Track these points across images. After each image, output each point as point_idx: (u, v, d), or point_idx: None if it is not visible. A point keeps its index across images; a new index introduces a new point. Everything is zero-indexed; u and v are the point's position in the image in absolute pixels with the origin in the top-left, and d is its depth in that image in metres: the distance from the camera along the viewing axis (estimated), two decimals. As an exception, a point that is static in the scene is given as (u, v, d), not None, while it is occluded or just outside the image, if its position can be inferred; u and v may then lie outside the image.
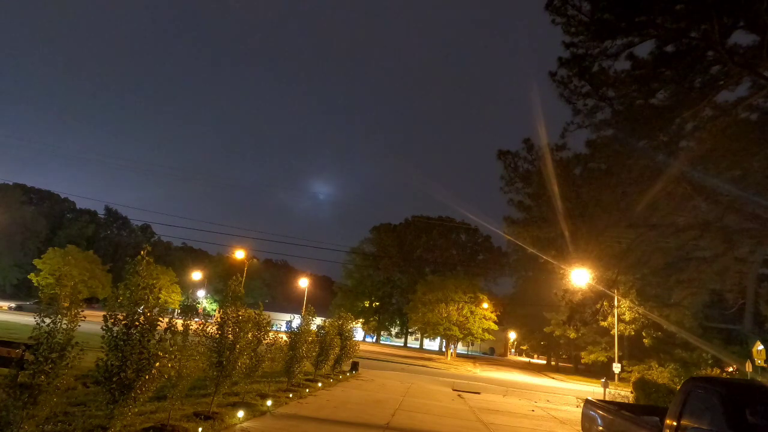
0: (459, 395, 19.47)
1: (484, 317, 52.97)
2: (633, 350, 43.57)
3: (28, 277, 54.59)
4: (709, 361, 34.15)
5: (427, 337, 64.06)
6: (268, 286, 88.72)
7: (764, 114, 14.49)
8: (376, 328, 76.90)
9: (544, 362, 72.02)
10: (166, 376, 7.29)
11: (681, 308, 27.64)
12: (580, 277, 21.76)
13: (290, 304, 78.26)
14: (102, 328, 6.41)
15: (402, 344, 76.82)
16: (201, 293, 75.13)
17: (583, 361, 51.60)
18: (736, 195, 14.52)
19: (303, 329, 15.46)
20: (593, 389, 27.99)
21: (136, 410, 7.17)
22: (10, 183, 72.32)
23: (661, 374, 21.27)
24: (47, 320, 5.61)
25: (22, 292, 65.63)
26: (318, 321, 18.28)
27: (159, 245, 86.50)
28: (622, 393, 21.84)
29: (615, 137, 15.39)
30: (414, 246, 76.20)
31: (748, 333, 20.99)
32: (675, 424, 6.50)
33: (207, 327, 9.65)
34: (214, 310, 65.14)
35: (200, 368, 9.10)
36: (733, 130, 13.97)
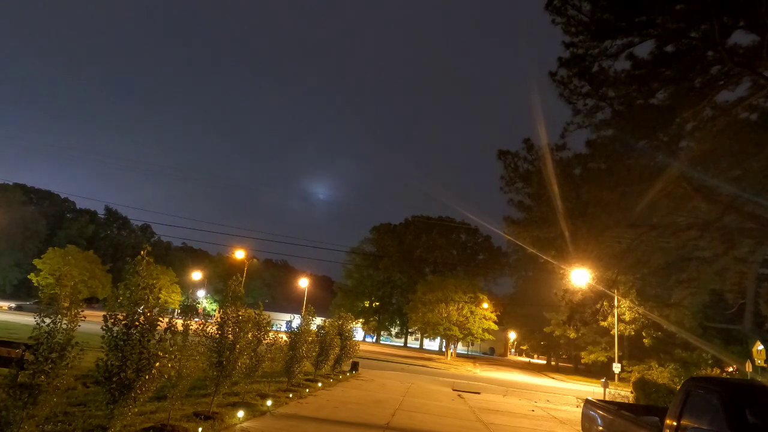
0: (459, 395, 19.47)
1: (484, 317, 52.97)
2: (633, 350, 43.57)
3: (28, 277, 54.59)
4: (709, 361, 34.13)
5: (427, 337, 64.05)
6: (268, 286, 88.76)
7: (764, 114, 14.49)
8: (376, 328, 76.88)
9: (544, 362, 72.02)
10: (166, 376, 7.28)
11: (681, 308, 27.63)
12: (580, 277, 21.75)
13: (290, 304, 78.27)
14: (102, 328, 6.41)
15: (402, 344, 76.82)
16: (201, 293, 75.12)
17: (583, 361, 51.61)
18: (736, 195, 14.53)
19: (303, 329, 15.45)
20: (593, 389, 27.99)
21: (136, 410, 7.17)
22: (10, 183, 72.42)
23: (661, 374, 21.26)
24: (47, 320, 5.61)
25: (22, 292, 65.62)
26: (318, 321, 18.28)
27: (159, 245, 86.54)
28: (622, 393, 21.84)
29: (615, 137, 15.39)
30: (414, 246, 76.16)
31: (748, 333, 20.98)
32: (675, 424, 6.50)
33: (207, 327, 9.65)
34: (214, 310, 65.14)
35: (200, 368, 9.09)
36: (733, 130, 13.97)
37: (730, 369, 31.15)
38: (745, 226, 15.23)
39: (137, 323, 6.57)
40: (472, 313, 51.95)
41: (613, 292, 23.60)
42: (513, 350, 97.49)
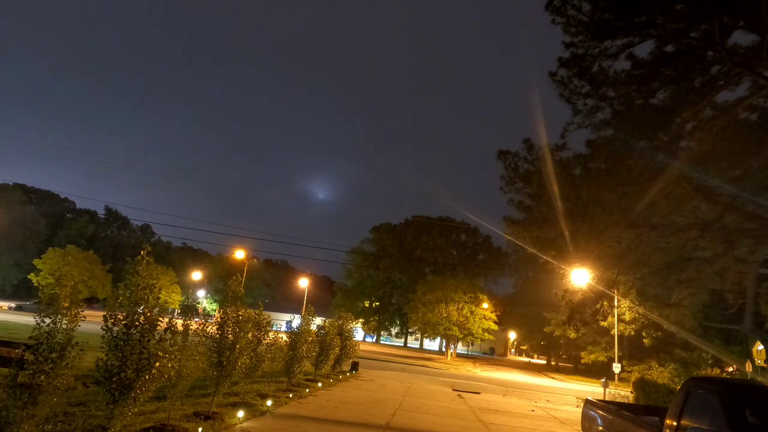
0: (459, 395, 19.48)
1: (484, 317, 52.98)
2: (633, 350, 43.58)
3: (28, 277, 54.60)
4: (709, 361, 34.14)
5: (427, 337, 64.07)
6: (268, 286, 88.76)
7: (764, 114, 14.49)
8: (376, 328, 76.89)
9: (544, 362, 72.03)
10: (166, 376, 7.28)
11: (681, 308, 27.63)
12: (580, 277, 21.75)
13: (290, 304, 78.25)
14: (102, 328, 6.41)
15: (402, 344, 76.82)
16: (201, 293, 75.14)
17: (583, 361, 51.60)
18: (736, 195, 14.53)
19: (303, 329, 15.46)
20: (593, 389, 28.00)
21: (136, 410, 7.17)
22: (10, 183, 72.36)
23: (661, 374, 21.26)
24: (47, 320, 5.61)
25: (22, 292, 65.60)
26: (318, 321, 18.28)
27: (159, 245, 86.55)
28: (622, 393, 21.84)
29: (615, 137, 15.39)
30: (414, 246, 76.19)
31: (748, 333, 20.97)
32: (675, 424, 6.50)
33: (207, 327, 9.65)
34: (214, 310, 65.14)
35: (200, 368, 9.10)
36: (733, 130, 13.97)
37: (730, 369, 31.16)
38: (745, 226, 15.23)
39: (137, 323, 6.58)
40: (472, 313, 51.96)
41: (613, 292, 23.60)
42: (513, 350, 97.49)
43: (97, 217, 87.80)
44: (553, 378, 44.33)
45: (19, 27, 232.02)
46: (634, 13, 13.52)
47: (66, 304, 5.76)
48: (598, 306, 23.22)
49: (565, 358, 69.42)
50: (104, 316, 6.48)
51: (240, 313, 9.99)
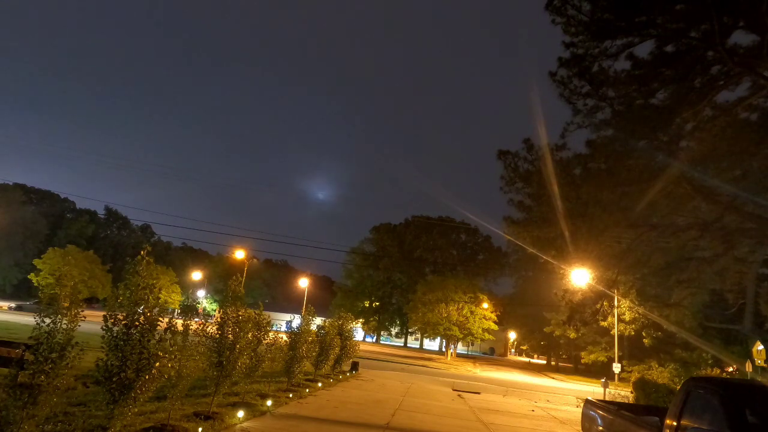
0: (459, 395, 19.48)
1: (484, 317, 52.98)
2: (633, 350, 43.58)
3: (28, 277, 54.60)
4: (709, 361, 34.15)
5: (427, 337, 64.07)
6: (268, 286, 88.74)
7: (764, 114, 14.49)
8: (376, 328, 76.89)
9: (544, 362, 72.02)
10: (166, 376, 7.28)
11: (681, 308, 27.63)
12: (580, 277, 21.75)
13: (290, 304, 78.24)
14: (102, 328, 6.41)
15: (402, 344, 76.82)
16: (201, 293, 75.13)
17: (583, 361, 51.60)
18: (736, 195, 14.53)
19: (303, 329, 15.45)
20: (593, 389, 28.00)
21: (136, 410, 7.17)
22: (10, 183, 72.36)
23: (661, 374, 21.26)
24: (47, 320, 5.61)
25: (22, 292, 65.60)
26: (318, 321, 18.28)
27: (159, 245, 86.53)
28: (622, 393, 21.84)
29: (615, 137, 15.39)
30: (414, 246, 76.20)
31: (748, 333, 20.97)
32: (675, 424, 6.50)
33: (207, 327, 9.65)
34: (214, 310, 65.14)
35: (200, 368, 9.10)
36: (733, 130, 13.97)
37: (730, 369, 31.17)
38: (745, 226, 15.22)
39: (137, 323, 6.58)
40: (472, 313, 51.96)
41: (613, 292, 23.59)
42: (513, 350, 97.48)
43: (97, 217, 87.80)
44: (553, 378, 44.33)
45: (19, 27, 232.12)
46: (634, 13, 13.52)
47: (66, 304, 5.76)
48: (598, 306, 23.22)
49: (565, 358, 69.42)
50: (104, 316, 6.48)
51: (240, 313, 9.98)
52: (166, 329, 7.27)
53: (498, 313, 56.43)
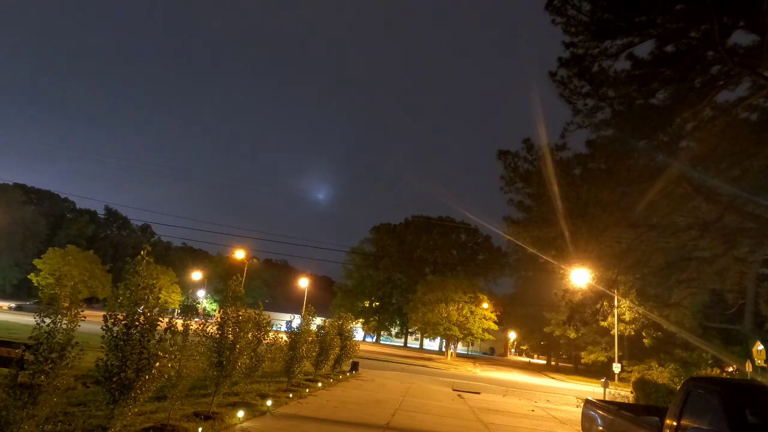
0: (459, 395, 19.47)
1: (484, 317, 52.98)
2: (633, 350, 43.57)
3: (28, 277, 54.59)
4: (709, 361, 34.14)
5: (427, 337, 64.06)
6: (268, 286, 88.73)
7: (764, 114, 14.50)
8: (376, 328, 76.89)
9: (544, 362, 72.02)
10: (166, 376, 7.28)
11: (681, 308, 27.64)
12: (580, 277, 21.75)
13: (290, 304, 78.25)
14: (102, 328, 6.41)
15: (402, 344, 76.82)
16: (201, 293, 75.13)
17: (583, 361, 51.60)
18: (736, 195, 14.53)
19: (303, 329, 15.45)
20: (593, 389, 27.99)
21: (136, 410, 7.17)
22: (10, 183, 72.32)
23: (661, 374, 21.26)
24: (47, 320, 5.60)
25: (22, 292, 65.62)
26: (318, 321, 18.28)
27: (159, 245, 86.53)
28: (622, 393, 21.83)
29: (615, 137, 15.40)
30: (414, 246, 76.20)
31: (748, 333, 20.98)
32: (675, 424, 6.50)
33: (207, 327, 9.65)
34: (214, 310, 65.14)
35: (200, 368, 9.10)
36: (733, 130, 13.98)
37: (730, 369, 31.16)
38: (745, 226, 15.23)
39: (137, 323, 6.58)
40: (472, 313, 51.96)
41: (613, 292, 23.60)
42: (513, 350, 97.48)
43: (97, 217, 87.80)
44: (553, 378, 44.33)
45: (19, 27, 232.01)
46: (634, 13, 13.53)
47: (66, 304, 5.76)
48: (598, 306, 23.23)
49: (565, 358, 69.41)
50: (104, 316, 6.47)
51: (240, 313, 9.98)
52: (166, 329, 7.27)
53: (498, 313, 56.43)
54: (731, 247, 16.10)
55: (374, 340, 78.07)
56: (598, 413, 9.58)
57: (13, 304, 45.41)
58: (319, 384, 16.36)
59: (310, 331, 16.37)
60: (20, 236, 68.84)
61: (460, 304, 51.70)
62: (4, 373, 5.91)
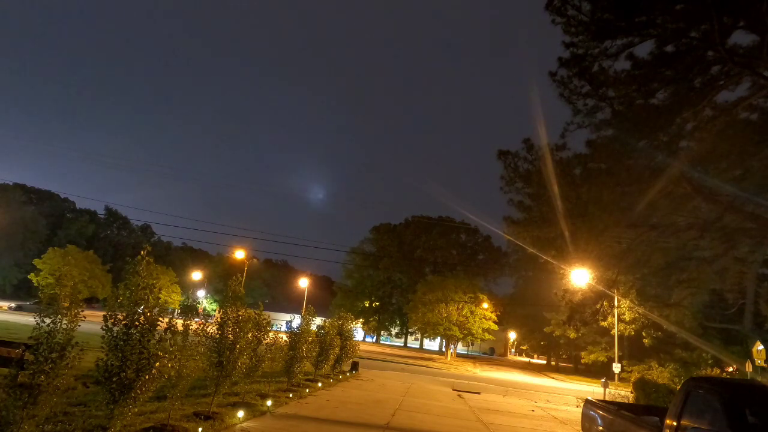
0: (459, 395, 19.47)
1: (484, 317, 52.97)
2: (633, 350, 43.57)
3: (28, 277, 54.55)
4: (709, 361, 34.16)
5: (427, 337, 64.05)
6: (268, 286, 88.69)
7: (764, 114, 14.49)
8: (376, 328, 76.87)
9: (544, 362, 72.00)
10: (166, 376, 7.28)
11: (681, 308, 27.63)
12: (580, 277, 21.75)
13: (290, 304, 78.22)
14: (102, 328, 6.41)
15: (402, 344, 76.80)
16: (201, 293, 75.10)
17: (583, 361, 51.59)
18: (736, 195, 14.52)
19: (303, 329, 15.45)
20: (593, 389, 27.99)
21: (136, 410, 7.16)
22: (10, 183, 72.31)
23: (661, 374, 21.26)
24: (47, 320, 5.61)
25: (22, 292, 65.58)
26: (318, 321, 18.27)
27: (159, 245, 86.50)
28: (622, 393, 21.83)
29: (615, 137, 15.39)
30: (414, 246, 76.18)
31: (748, 333, 20.98)
32: (675, 424, 6.50)
33: (207, 327, 9.65)
34: (214, 310, 65.14)
35: (200, 368, 9.10)
36: (733, 130, 13.97)
37: (730, 369, 31.17)
38: (745, 226, 15.22)
39: (137, 323, 6.58)
40: (472, 313, 51.95)
41: (613, 292, 23.60)
42: (513, 350, 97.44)
43: (97, 217, 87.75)
44: (553, 378, 44.32)
45: (19, 27, 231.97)
46: (634, 13, 13.51)
47: (66, 304, 5.76)
48: (598, 306, 23.23)
49: (565, 358, 69.38)
50: (104, 316, 6.48)
51: (240, 313, 9.98)
52: (166, 329, 7.27)
53: (498, 313, 56.42)
54: (731, 247, 16.10)
55: (374, 340, 78.06)
56: (598, 413, 9.58)
57: (13, 304, 45.39)
58: (319, 384, 16.36)
59: (310, 331, 16.37)
60: (20, 236, 68.81)
61: (460, 304, 51.69)
62: (4, 373, 5.91)
